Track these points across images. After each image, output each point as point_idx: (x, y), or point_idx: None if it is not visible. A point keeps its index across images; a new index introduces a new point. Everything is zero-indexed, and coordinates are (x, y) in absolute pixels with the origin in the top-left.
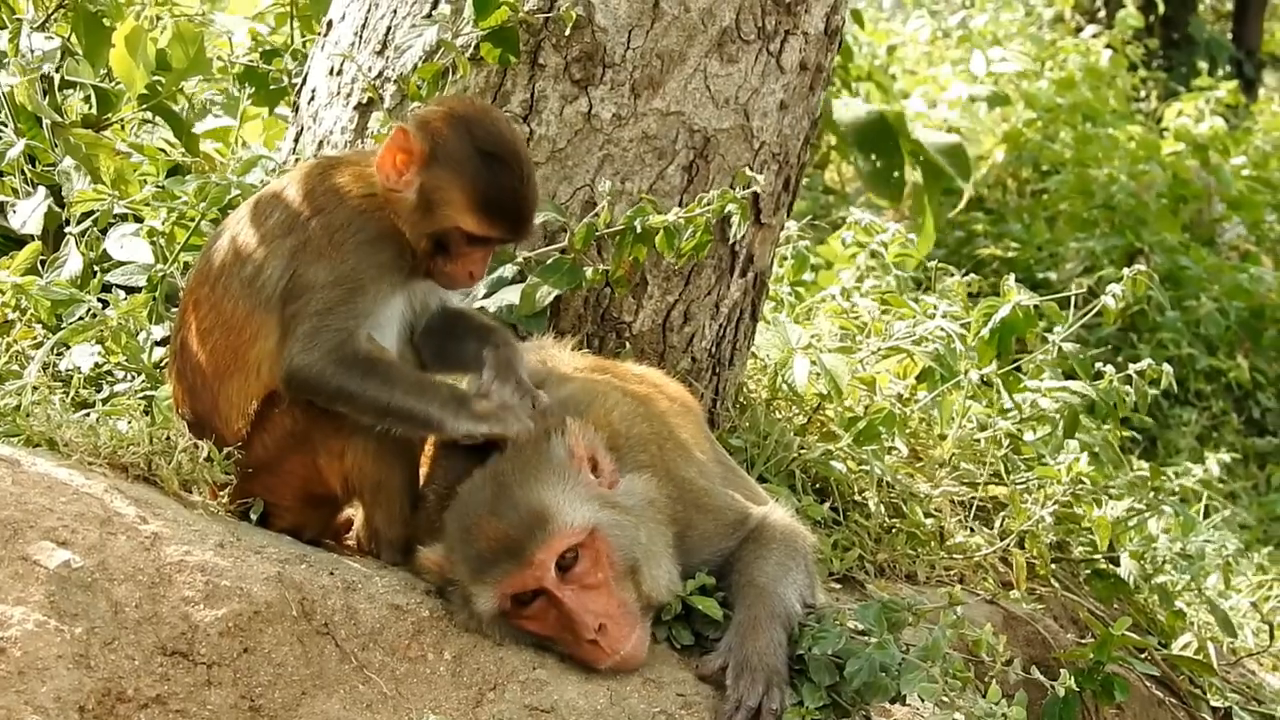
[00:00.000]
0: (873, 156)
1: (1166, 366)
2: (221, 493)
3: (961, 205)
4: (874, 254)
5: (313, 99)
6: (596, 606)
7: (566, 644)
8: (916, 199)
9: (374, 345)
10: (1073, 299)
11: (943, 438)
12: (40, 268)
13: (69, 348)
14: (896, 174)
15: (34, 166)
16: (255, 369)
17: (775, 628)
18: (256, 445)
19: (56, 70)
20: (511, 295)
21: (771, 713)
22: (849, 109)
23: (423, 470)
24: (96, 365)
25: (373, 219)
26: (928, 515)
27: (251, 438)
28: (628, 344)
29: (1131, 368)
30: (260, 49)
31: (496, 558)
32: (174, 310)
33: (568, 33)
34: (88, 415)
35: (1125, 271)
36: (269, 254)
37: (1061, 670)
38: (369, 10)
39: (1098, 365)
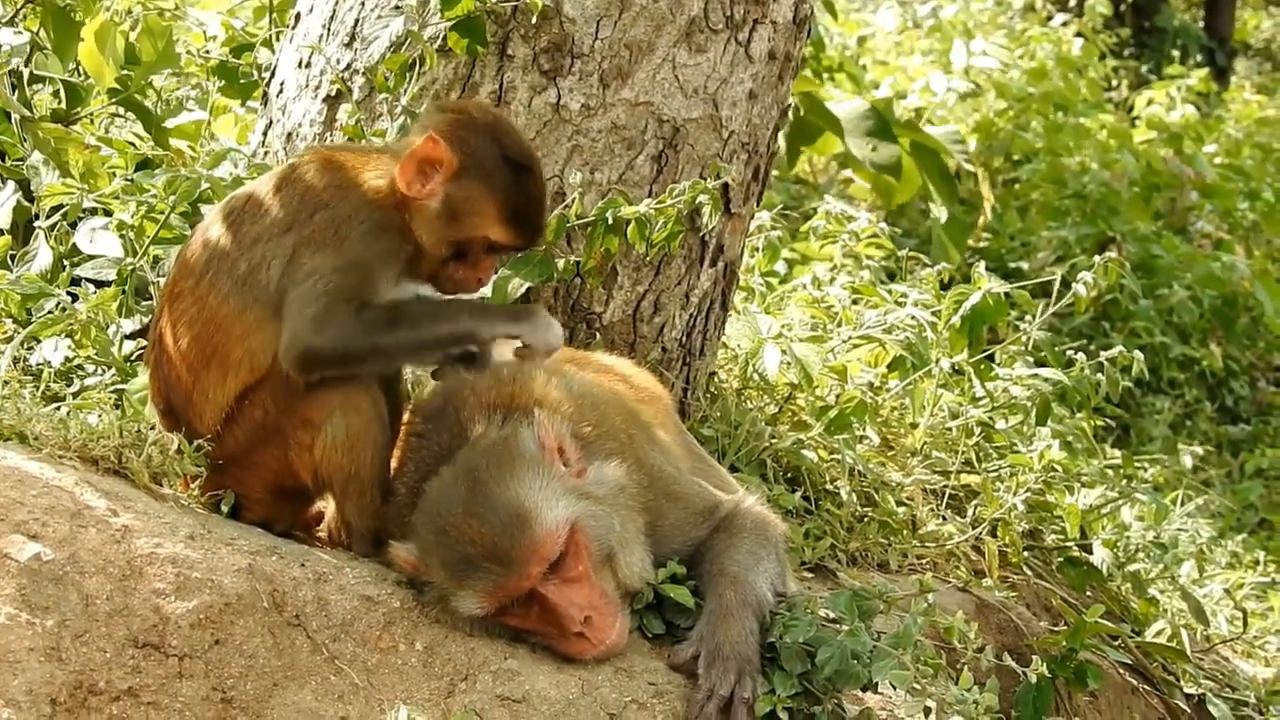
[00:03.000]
0: (872, 146)
1: (1138, 354)
2: (192, 485)
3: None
4: (850, 254)
5: (281, 91)
6: (580, 599)
7: (549, 637)
8: (908, 186)
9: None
10: (1046, 288)
11: (914, 426)
12: (10, 262)
13: (39, 341)
14: (897, 161)
15: (3, 161)
16: (237, 365)
17: (747, 616)
18: (227, 438)
19: (25, 65)
20: (483, 287)
21: (743, 701)
22: (843, 106)
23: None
24: (67, 359)
25: (378, 214)
26: (900, 504)
27: (222, 430)
28: (598, 334)
29: (1103, 355)
30: (234, 43)
31: (479, 563)
32: (144, 304)
33: (535, 23)
34: (58, 409)
35: (1096, 259)
36: (268, 251)
37: (1034, 658)
38: (337, 3)
39: (1069, 353)
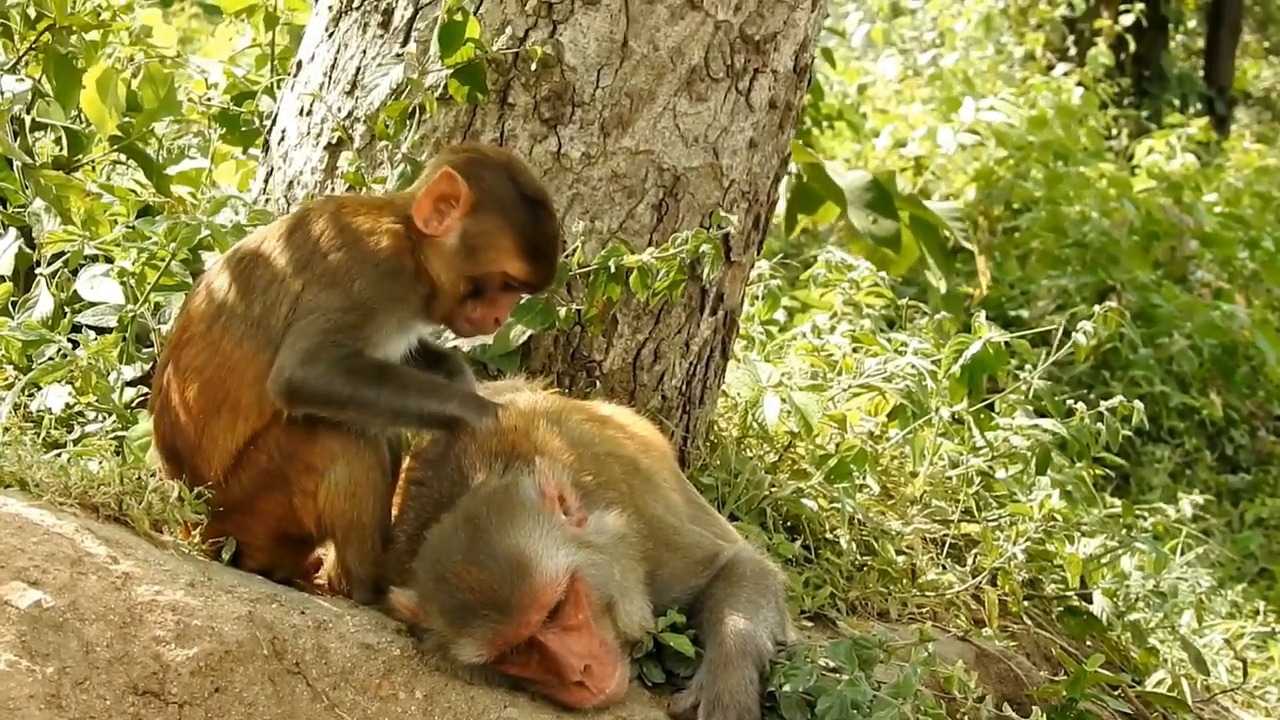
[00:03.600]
0: (873, 219)
1: (1138, 403)
2: (193, 532)
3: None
4: (851, 302)
5: (283, 139)
6: (580, 648)
7: (549, 686)
8: (905, 259)
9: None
10: (1046, 337)
11: (914, 475)
12: (11, 309)
13: (40, 388)
14: (896, 235)
15: (4, 208)
16: (248, 410)
17: (746, 665)
18: (233, 484)
19: (27, 112)
20: (485, 335)
21: None
22: (846, 177)
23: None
24: (67, 406)
25: (392, 259)
26: (899, 553)
27: (228, 477)
28: (598, 383)
29: (1103, 405)
30: (235, 91)
31: (479, 610)
32: (145, 351)
33: (536, 71)
34: (59, 455)
35: (1096, 309)
36: (280, 293)
37: (1034, 708)
38: (338, 50)
39: (1069, 403)
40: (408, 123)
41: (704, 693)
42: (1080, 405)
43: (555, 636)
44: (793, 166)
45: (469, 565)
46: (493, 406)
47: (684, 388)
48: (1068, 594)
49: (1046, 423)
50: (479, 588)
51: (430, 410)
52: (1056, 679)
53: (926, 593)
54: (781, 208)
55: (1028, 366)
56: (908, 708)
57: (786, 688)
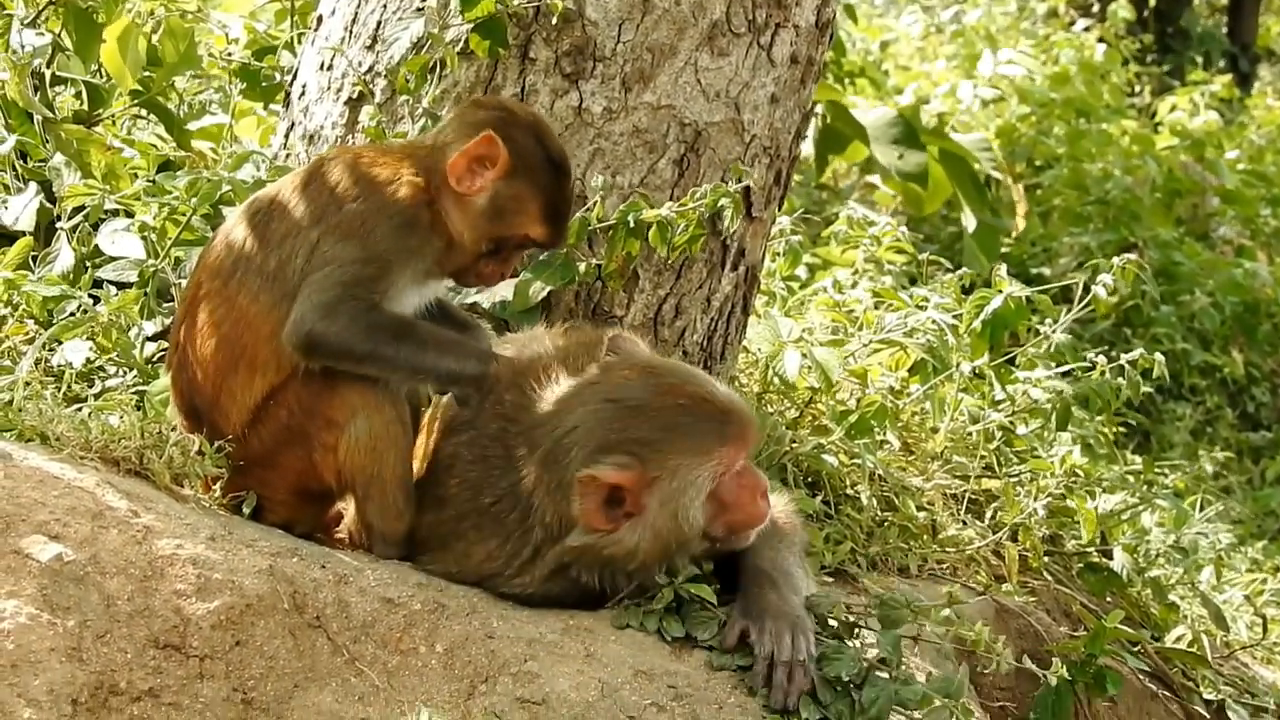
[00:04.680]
0: (899, 154)
1: (1159, 356)
2: (214, 487)
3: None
4: (872, 259)
5: (303, 94)
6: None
7: (735, 511)
8: (937, 195)
9: (395, 311)
10: (1067, 293)
11: (935, 431)
12: (31, 263)
13: (61, 343)
14: (924, 169)
15: (25, 163)
16: (265, 365)
17: (786, 588)
18: (252, 439)
19: (47, 66)
20: (505, 291)
21: (800, 664)
22: (869, 114)
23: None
24: (88, 361)
25: (408, 211)
26: (920, 508)
27: (248, 432)
28: None
29: (1124, 358)
30: (256, 46)
31: (725, 421)
32: (166, 306)
33: (557, 25)
34: (80, 410)
35: (1115, 261)
36: (295, 245)
37: (1054, 663)
38: (359, 5)
39: (1090, 357)
40: (428, 77)
41: (751, 618)
42: (1101, 359)
43: None
44: (817, 108)
45: (688, 385)
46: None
47: (705, 343)
48: (1088, 550)
49: (1066, 369)
50: (715, 399)
51: (449, 368)
52: (1076, 635)
53: (947, 548)
54: (810, 150)
55: (1048, 321)
56: (959, 712)
57: (827, 672)
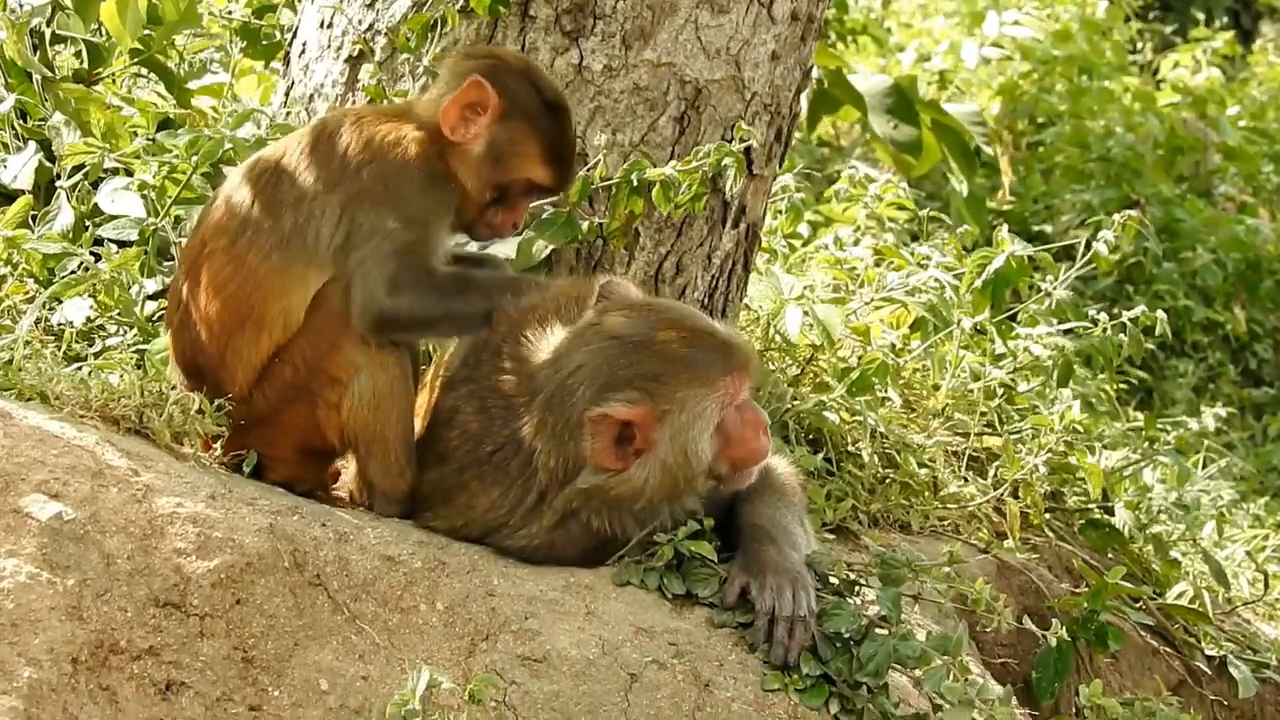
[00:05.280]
0: (894, 124)
1: (1161, 314)
2: (214, 445)
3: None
4: (874, 216)
5: (304, 52)
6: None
7: (738, 446)
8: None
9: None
10: (1069, 250)
11: (936, 388)
12: (32, 222)
13: (61, 302)
14: (917, 140)
15: (25, 122)
16: (272, 323)
17: (784, 545)
18: (257, 398)
19: (47, 25)
20: (507, 248)
21: (801, 620)
22: (867, 82)
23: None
24: (89, 319)
25: (426, 166)
26: (921, 465)
27: (252, 390)
28: None
29: (1125, 315)
30: (256, 4)
31: (727, 353)
32: (166, 264)
33: None
34: (80, 369)
35: (1115, 217)
36: (314, 208)
37: (1055, 619)
38: None
39: (1092, 314)
40: (429, 35)
41: (751, 574)
42: (1103, 316)
43: None
44: (815, 73)
45: (688, 321)
46: (556, 285)
47: (706, 300)
48: (1089, 506)
49: (1068, 326)
50: (715, 333)
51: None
52: (1078, 591)
53: (948, 505)
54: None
55: (1049, 278)
56: (956, 669)
57: (828, 627)
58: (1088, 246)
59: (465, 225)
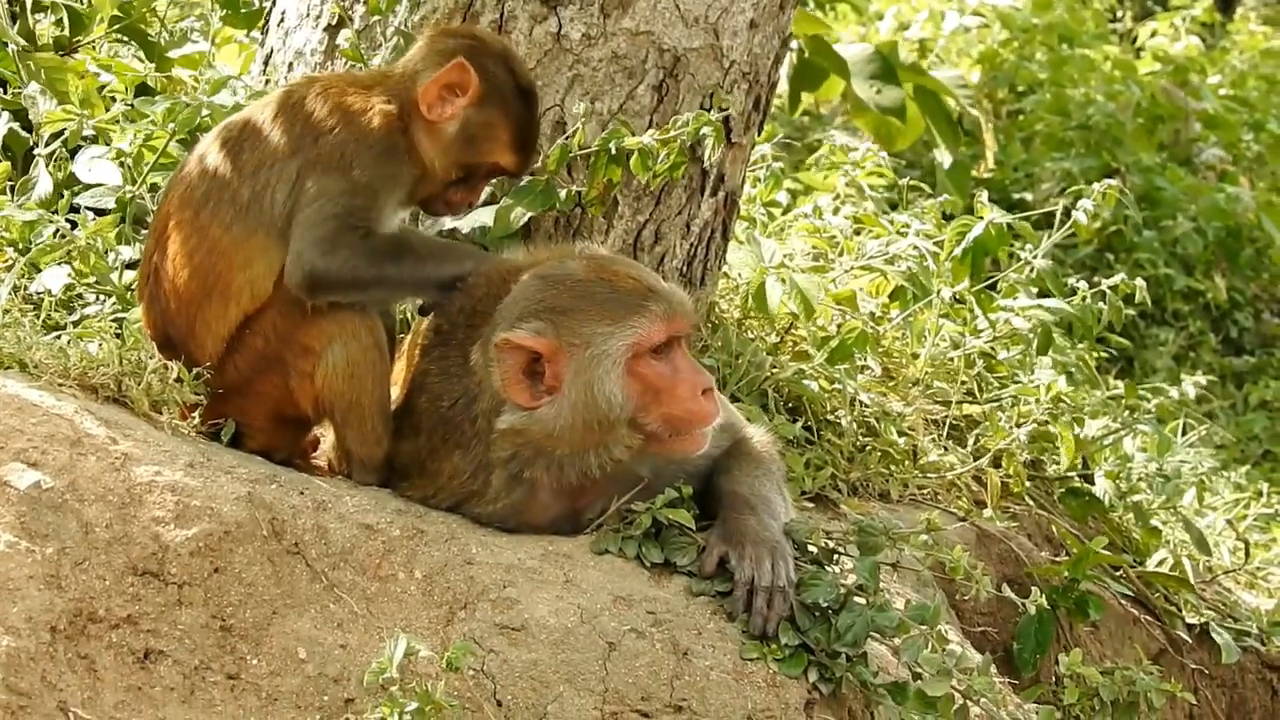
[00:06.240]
0: (877, 89)
1: (1140, 281)
2: (192, 414)
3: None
4: (854, 184)
5: (283, 20)
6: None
7: (669, 400)
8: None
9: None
10: (1048, 218)
11: (916, 356)
12: (10, 192)
13: (39, 270)
14: (901, 104)
15: (4, 91)
16: (239, 294)
17: (762, 514)
18: (228, 367)
19: None
20: (485, 216)
21: (779, 590)
22: (848, 49)
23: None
24: (67, 288)
25: (386, 139)
26: (901, 434)
27: (223, 360)
28: None
29: (1105, 283)
30: None
31: (644, 299)
32: (143, 232)
33: None
34: (58, 337)
35: (1095, 186)
36: (271, 176)
37: (1035, 588)
38: None
39: (1071, 282)
40: (407, 3)
41: (729, 544)
42: (1083, 284)
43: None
44: (795, 44)
45: (622, 267)
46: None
47: (684, 269)
48: (1069, 475)
49: (1049, 302)
50: (643, 280)
51: (450, 273)
52: (1058, 560)
53: (928, 474)
54: (784, 87)
55: (1028, 246)
56: (934, 639)
57: (805, 597)
58: (1067, 215)
59: (422, 201)
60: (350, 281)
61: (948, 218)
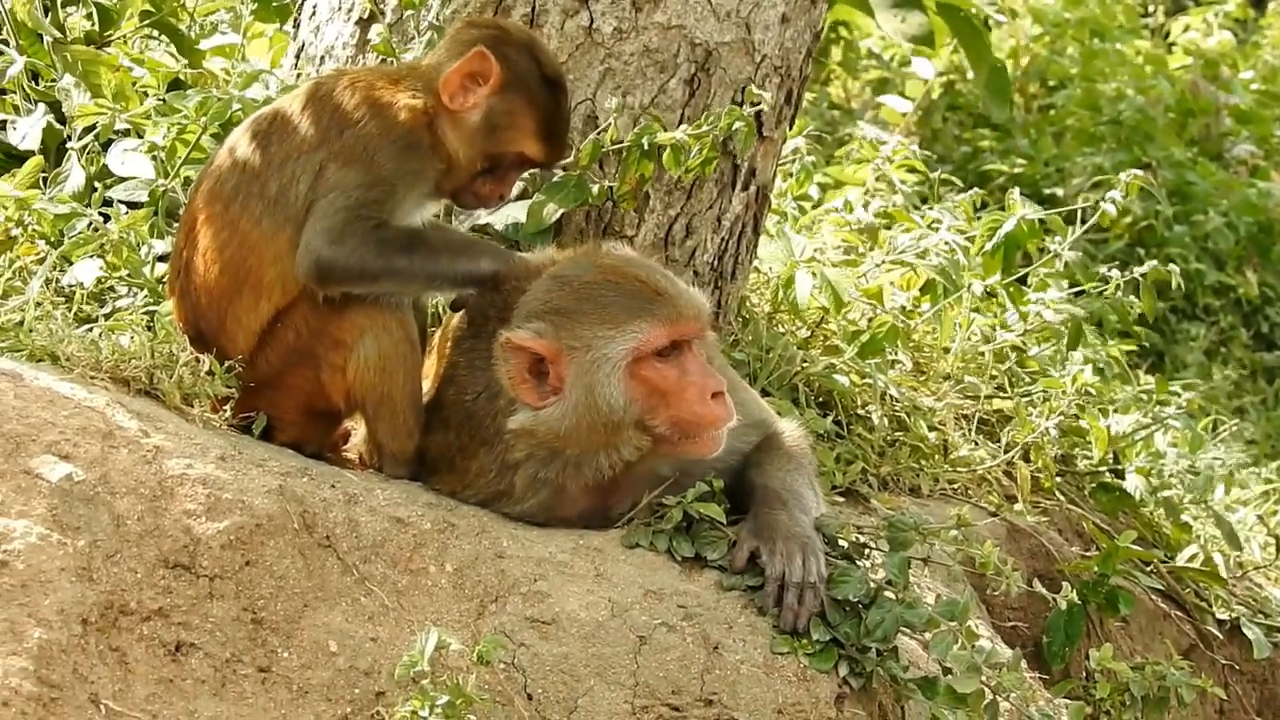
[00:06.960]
0: (901, 17)
1: (1173, 266)
2: (223, 407)
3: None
4: (884, 178)
5: (314, 14)
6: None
7: (677, 403)
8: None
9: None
10: (1079, 213)
11: (946, 351)
12: (42, 184)
13: (71, 263)
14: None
15: (36, 83)
16: (270, 288)
17: (795, 509)
18: (260, 361)
19: None
20: (518, 212)
21: (810, 586)
22: None
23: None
24: (99, 281)
25: (410, 133)
26: (931, 428)
27: (255, 354)
28: None
29: (1136, 271)
30: None
31: (647, 300)
32: (175, 226)
33: None
34: (90, 330)
35: (1122, 176)
36: (297, 169)
37: (1065, 583)
38: None
39: (1103, 272)
40: None
41: (760, 539)
42: (1115, 273)
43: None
44: None
45: (629, 266)
46: (519, 257)
47: (715, 263)
48: (1100, 470)
49: (1080, 297)
50: (652, 282)
51: (465, 270)
52: (1088, 555)
53: (958, 468)
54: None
55: (1057, 239)
56: (964, 635)
57: (836, 593)
58: (1097, 209)
59: (452, 193)
60: (358, 272)
61: (978, 210)
